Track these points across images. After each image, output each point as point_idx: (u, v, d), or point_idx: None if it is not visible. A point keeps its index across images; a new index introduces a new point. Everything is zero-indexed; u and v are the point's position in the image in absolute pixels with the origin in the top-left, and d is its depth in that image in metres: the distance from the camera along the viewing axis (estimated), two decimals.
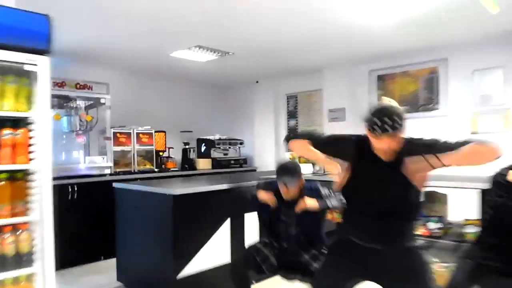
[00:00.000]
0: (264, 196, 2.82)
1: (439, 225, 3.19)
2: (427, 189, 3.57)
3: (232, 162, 6.51)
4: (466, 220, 3.17)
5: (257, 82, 6.99)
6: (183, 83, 6.78)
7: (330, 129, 5.83)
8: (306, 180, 2.84)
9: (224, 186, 3.41)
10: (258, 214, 3.04)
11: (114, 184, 3.69)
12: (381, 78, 5.54)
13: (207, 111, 7.20)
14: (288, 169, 2.73)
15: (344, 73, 5.80)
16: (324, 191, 2.79)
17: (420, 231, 3.23)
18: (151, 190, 3.28)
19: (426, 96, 5.12)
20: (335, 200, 2.71)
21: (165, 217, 3.11)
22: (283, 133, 6.86)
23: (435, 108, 5.04)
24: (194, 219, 3.19)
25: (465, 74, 4.77)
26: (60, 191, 4.15)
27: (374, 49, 5.03)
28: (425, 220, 3.27)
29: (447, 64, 4.92)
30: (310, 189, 2.80)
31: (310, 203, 2.71)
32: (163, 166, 5.59)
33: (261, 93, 7.05)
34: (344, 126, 5.71)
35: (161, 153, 5.58)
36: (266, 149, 6.97)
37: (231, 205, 3.44)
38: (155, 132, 5.38)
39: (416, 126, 5.37)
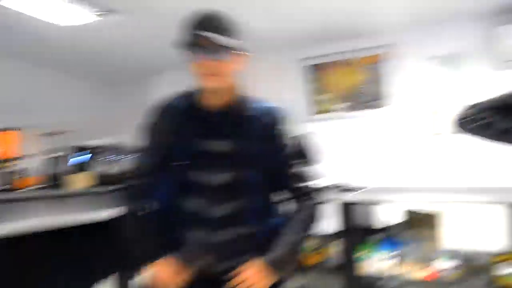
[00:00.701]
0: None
1: (453, 262, 2.07)
2: (406, 208, 2.53)
3: (124, 176, 4.91)
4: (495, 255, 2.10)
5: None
6: (46, 63, 4.90)
7: None
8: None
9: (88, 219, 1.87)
10: None
11: None
12: (314, 68, 4.47)
13: (88, 107, 5.44)
14: (213, 18, 1.30)
15: (268, 61, 4.61)
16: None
17: (420, 273, 2.10)
18: None
19: (372, 90, 4.16)
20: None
21: None
22: None
23: (384, 105, 4.10)
24: None
25: (420, 62, 3.93)
26: None
27: (304, 31, 3.93)
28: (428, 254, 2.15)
29: (396, 50, 4.03)
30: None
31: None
32: (13, 183, 3.74)
33: (164, 85, 5.55)
34: None
35: (9, 164, 3.73)
36: None
37: (111, 254, 1.91)
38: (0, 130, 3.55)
39: (361, 126, 4.50)
